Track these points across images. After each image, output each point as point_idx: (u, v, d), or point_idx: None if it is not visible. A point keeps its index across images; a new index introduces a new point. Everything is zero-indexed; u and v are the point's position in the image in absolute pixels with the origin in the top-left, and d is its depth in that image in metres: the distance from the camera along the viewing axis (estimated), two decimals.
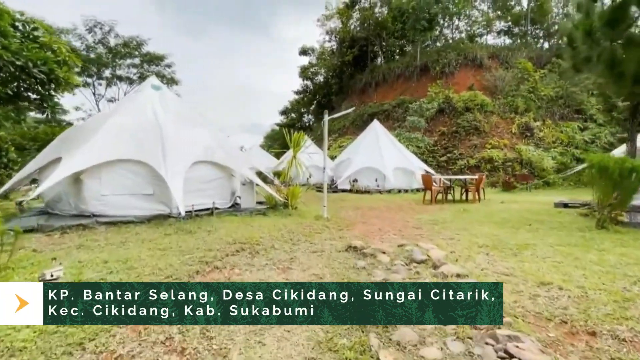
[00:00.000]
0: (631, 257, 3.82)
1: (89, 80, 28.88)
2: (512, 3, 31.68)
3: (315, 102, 47.55)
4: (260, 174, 21.00)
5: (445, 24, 32.41)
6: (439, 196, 10.81)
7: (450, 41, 30.89)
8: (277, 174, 20.60)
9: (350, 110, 6.89)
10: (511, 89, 22.08)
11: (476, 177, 11.14)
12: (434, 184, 10.33)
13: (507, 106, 21.47)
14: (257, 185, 8.03)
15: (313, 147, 22.98)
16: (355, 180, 15.07)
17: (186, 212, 6.73)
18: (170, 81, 31.78)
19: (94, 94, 30.08)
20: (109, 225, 5.94)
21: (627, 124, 22.12)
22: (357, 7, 35.68)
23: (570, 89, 22.99)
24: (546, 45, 30.38)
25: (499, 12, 33.33)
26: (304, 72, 45.73)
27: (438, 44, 32.58)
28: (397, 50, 35.13)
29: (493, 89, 22.55)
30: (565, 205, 8.10)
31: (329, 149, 29.72)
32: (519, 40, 28.79)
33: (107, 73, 29.87)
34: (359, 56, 35.28)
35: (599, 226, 5.21)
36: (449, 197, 11.06)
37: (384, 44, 34.77)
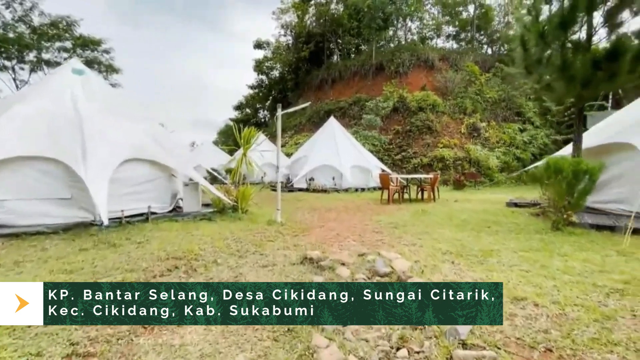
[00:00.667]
0: (594, 262, 3.73)
1: (7, 63, 25.13)
2: (460, 9, 33.24)
3: (270, 97, 46.30)
4: (210, 173, 19.63)
5: (399, 25, 33.09)
6: (396, 195, 10.70)
7: (404, 42, 31.61)
8: (229, 171, 19.51)
9: (305, 105, 6.36)
10: (460, 91, 23.05)
11: (431, 176, 11.21)
12: (391, 183, 10.16)
13: (456, 107, 22.37)
14: (203, 186, 7.17)
15: (267, 144, 22.11)
16: (311, 179, 14.59)
17: (115, 218, 5.74)
18: (109, 69, 28.83)
19: (14, 79, 26.27)
20: (9, 238, 4.80)
21: (560, 127, 24.12)
22: (312, 2, 35.16)
23: (511, 93, 24.58)
24: (490, 50, 32.38)
25: (448, 17, 34.88)
26: (259, 66, 44.26)
27: (392, 44, 33.23)
28: (353, 49, 35.26)
29: (444, 89, 23.38)
30: (516, 205, 8.31)
31: (284, 146, 28.97)
32: (465, 45, 30.29)
33: (31, 56, 26.23)
34: (315, 52, 34.83)
35: (554, 228, 5.22)
36: (405, 196, 10.99)
37: (339, 41, 34.69)
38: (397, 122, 22.34)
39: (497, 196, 12.44)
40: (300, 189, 14.47)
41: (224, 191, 7.46)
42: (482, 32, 30.50)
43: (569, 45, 6.31)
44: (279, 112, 6.18)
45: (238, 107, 51.50)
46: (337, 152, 14.64)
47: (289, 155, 24.27)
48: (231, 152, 27.50)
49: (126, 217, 5.97)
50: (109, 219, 5.77)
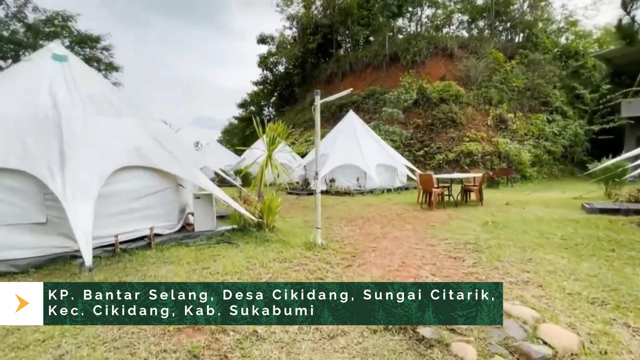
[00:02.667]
0: None
1: (2, 63, 23.88)
2: None
3: (276, 93, 44.86)
4: (218, 176, 18.30)
5: (411, 13, 31.31)
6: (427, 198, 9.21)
7: (417, 31, 29.86)
8: (239, 172, 18.09)
9: (347, 91, 4.81)
10: (484, 80, 21.38)
11: (478, 175, 9.69)
12: (434, 185, 8.67)
13: (481, 97, 20.72)
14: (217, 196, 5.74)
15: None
16: (332, 180, 13.12)
17: (107, 246, 4.35)
18: (109, 67, 27.48)
19: None
20: None
21: (594, 116, 22.36)
22: None
23: (537, 81, 22.86)
24: (509, 38, 30.48)
25: (459, 6, 32.97)
26: (264, 62, 42.74)
27: (400, 35, 31.46)
28: (363, 39, 33.55)
29: (465, 79, 21.72)
30: (602, 211, 6.78)
31: (293, 144, 27.53)
32: (486, 31, 28.47)
33: (27, 55, 24.97)
34: (323, 45, 33.19)
35: None
36: (443, 198, 9.50)
37: (348, 32, 33.00)
38: (417, 115, 20.75)
39: (551, 195, 10.87)
40: (320, 191, 13.00)
41: (241, 200, 6.04)
42: (501, 18, 28.61)
43: None
44: (318, 101, 4.73)
45: (242, 105, 50.14)
46: (360, 149, 13.14)
47: (300, 154, 22.85)
48: (239, 152, 26.19)
49: (122, 243, 4.56)
50: (99, 247, 4.38)
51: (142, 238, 4.86)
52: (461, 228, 5.98)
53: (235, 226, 5.57)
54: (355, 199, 11.38)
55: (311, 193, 12.81)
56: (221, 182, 18.91)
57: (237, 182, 18.00)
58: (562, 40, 29.53)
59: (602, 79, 24.75)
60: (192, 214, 5.63)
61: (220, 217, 6.37)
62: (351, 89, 5.37)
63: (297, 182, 15.85)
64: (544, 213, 7.28)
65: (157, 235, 4.99)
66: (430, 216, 7.59)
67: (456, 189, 9.98)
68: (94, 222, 4.05)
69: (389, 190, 13.30)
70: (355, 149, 13.19)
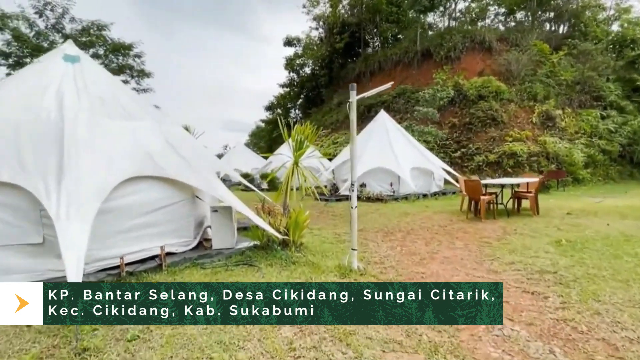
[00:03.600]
0: None
1: None
2: None
3: (302, 95, 44.51)
4: (247, 176, 17.88)
5: (446, 5, 29.66)
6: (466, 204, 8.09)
7: (452, 25, 28.23)
8: (265, 177, 17.63)
9: (387, 85, 3.99)
10: (528, 74, 19.62)
11: (533, 180, 8.48)
12: (483, 192, 7.59)
13: (524, 93, 19.00)
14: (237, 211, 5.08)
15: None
16: (363, 185, 12.24)
17: (111, 269, 3.79)
18: (140, 73, 28.13)
19: None
20: None
21: None
22: None
23: (588, 74, 20.74)
24: (553, 28, 28.10)
25: None
26: (290, 64, 42.53)
27: (431, 32, 29.92)
28: (392, 37, 32.32)
29: (507, 74, 20.04)
30: None
31: (321, 146, 26.85)
32: (526, 23, 26.37)
33: None
34: (350, 44, 32.33)
35: None
36: (492, 207, 8.34)
37: (376, 30, 31.92)
38: (453, 113, 19.38)
39: (623, 202, 9.36)
40: (349, 197, 12.15)
41: (265, 212, 5.34)
42: (543, 7, 26.42)
43: None
44: (354, 97, 3.94)
45: (269, 108, 50.28)
46: (393, 151, 12.17)
47: (329, 157, 22.10)
48: (266, 155, 25.88)
49: (129, 264, 3.98)
50: (102, 270, 3.83)
51: (152, 258, 4.26)
52: (526, 248, 4.93)
53: (258, 242, 4.87)
54: (389, 206, 10.44)
55: (340, 199, 12.00)
56: (250, 182, 18.56)
57: (264, 186, 17.56)
58: (613, 28, 26.90)
59: None
60: (210, 228, 5.00)
61: (243, 229, 5.72)
62: (391, 82, 4.54)
63: (325, 186, 15.11)
64: (625, 227, 6.02)
65: (169, 254, 4.39)
66: (481, 230, 6.54)
67: (505, 195, 8.79)
68: (96, 242, 3.51)
69: (424, 196, 12.21)
70: (388, 151, 12.24)
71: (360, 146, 12.89)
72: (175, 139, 5.04)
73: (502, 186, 8.34)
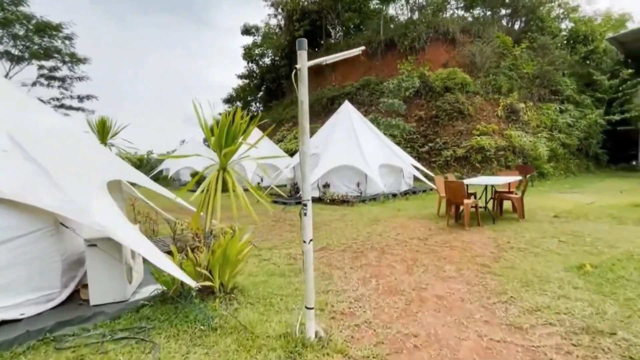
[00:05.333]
0: None
1: None
2: None
3: (263, 87, 42.24)
4: (196, 174, 15.84)
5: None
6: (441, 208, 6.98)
7: (414, 17, 27.49)
8: (194, 175, 15.57)
9: (358, 50, 2.44)
10: (492, 66, 19.22)
11: (516, 178, 7.51)
12: (466, 195, 6.42)
13: (489, 85, 18.56)
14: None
15: (258, 136, 18.22)
16: (326, 185, 10.81)
17: None
18: (71, 58, 24.52)
19: None
20: None
21: (611, 106, 20.41)
22: None
23: (546, 67, 20.84)
24: (508, 24, 28.37)
25: None
26: (248, 53, 40.05)
27: (391, 25, 29.12)
28: (353, 26, 31.08)
29: (471, 66, 19.52)
30: None
31: (281, 140, 25.00)
32: (488, 16, 26.24)
33: None
34: (311, 33, 30.64)
35: None
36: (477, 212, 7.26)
37: (338, 20, 30.51)
38: (419, 106, 18.52)
39: (606, 201, 8.67)
40: (312, 199, 10.67)
41: (188, 223, 3.69)
42: (501, 1, 26.39)
43: None
44: (303, 61, 2.43)
45: (228, 100, 47.38)
46: (360, 147, 10.83)
47: (289, 152, 20.42)
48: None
49: None
50: None
51: None
52: (542, 278, 3.71)
53: (165, 289, 3.19)
54: (356, 209, 9.08)
55: (300, 202, 10.44)
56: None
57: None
58: (563, 26, 27.70)
59: (614, 64, 22.93)
60: (84, 278, 3.24)
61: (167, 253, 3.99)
62: (362, 47, 3.05)
63: (285, 186, 13.50)
64: (635, 236, 5.07)
65: (5, 323, 2.61)
66: (469, 243, 5.34)
67: (482, 194, 7.78)
68: None
69: (394, 196, 11.04)
70: (354, 147, 10.88)
71: (323, 141, 11.44)
72: (30, 136, 3.20)
73: (485, 187, 7.26)
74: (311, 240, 2.56)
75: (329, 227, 6.89)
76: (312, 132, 18.97)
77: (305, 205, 2.53)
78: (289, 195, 11.91)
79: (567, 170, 17.82)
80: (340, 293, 3.54)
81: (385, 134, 14.95)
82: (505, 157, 15.51)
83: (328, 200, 10.20)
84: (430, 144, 16.68)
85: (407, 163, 11.81)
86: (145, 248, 2.90)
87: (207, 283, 3.05)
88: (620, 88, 19.68)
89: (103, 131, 8.05)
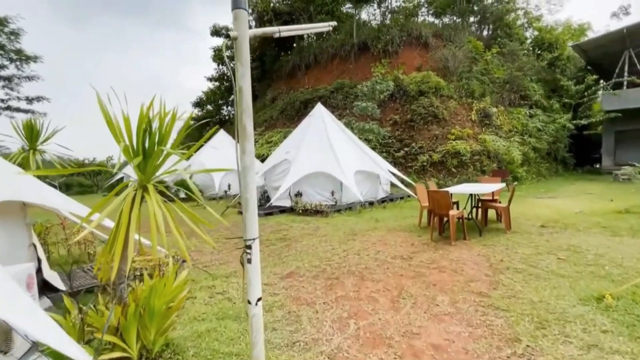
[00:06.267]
0: None
1: None
2: None
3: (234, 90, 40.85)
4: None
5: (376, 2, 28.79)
6: (424, 220, 6.39)
7: (388, 19, 27.38)
8: (181, 185, 14.33)
9: (328, 24, 1.62)
10: (464, 70, 19.21)
11: (498, 185, 7.01)
12: (453, 206, 5.79)
13: (462, 89, 18.50)
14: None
15: (224, 137, 17.08)
16: (299, 194, 9.96)
17: None
18: (17, 55, 22.27)
19: None
20: None
21: (577, 110, 20.99)
22: None
23: (515, 73, 21.18)
24: (476, 31, 28.96)
25: None
26: (218, 55, 38.62)
27: (367, 26, 28.98)
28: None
29: (444, 70, 19.43)
30: None
31: (254, 144, 23.84)
32: (457, 22, 26.54)
33: None
34: None
35: None
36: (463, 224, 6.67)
37: (310, 21, 29.93)
38: (394, 110, 18.13)
39: (569, 203, 8.36)
40: (283, 210, 9.78)
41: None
42: (471, 7, 26.82)
43: None
44: (243, 32, 1.62)
45: (197, 104, 45.56)
46: (334, 151, 10.09)
47: (261, 157, 19.41)
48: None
49: None
50: None
51: None
52: (557, 315, 3.05)
53: None
54: (331, 221, 8.29)
55: (271, 212, 9.55)
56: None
57: (181, 194, 14.27)
58: (527, 34, 28.63)
59: (577, 71, 23.79)
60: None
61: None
62: (334, 22, 2.26)
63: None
64: (636, 250, 4.60)
65: None
66: (459, 262, 4.67)
67: (463, 203, 7.24)
68: None
69: (371, 204, 10.37)
70: (328, 152, 10.12)
71: (294, 145, 10.61)
72: None
73: (471, 196, 6.69)
74: (259, 299, 1.71)
75: (299, 245, 6.04)
76: (285, 136, 18.03)
77: (249, 247, 1.67)
78: (259, 205, 10.95)
79: (539, 174, 18.02)
80: (310, 347, 2.70)
81: (360, 138, 14.35)
82: (480, 161, 15.33)
83: (300, 211, 9.35)
84: (406, 149, 16.26)
85: (384, 169, 11.20)
86: (14, 308, 1.92)
87: (115, 355, 2.11)
88: (586, 93, 20.29)
89: (31, 136, 6.78)
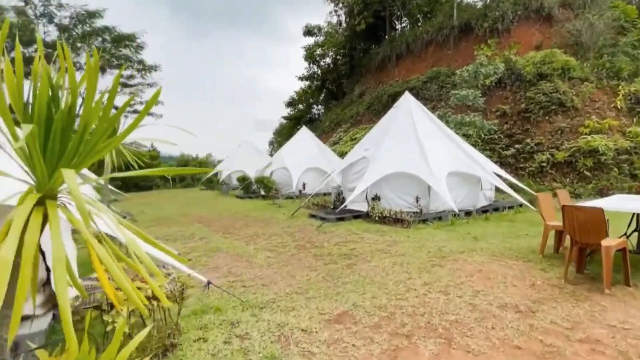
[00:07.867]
0: None
1: None
2: None
3: (324, 89, 41.00)
4: (243, 180, 14.61)
5: None
6: (557, 246, 4.20)
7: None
8: (261, 182, 14.30)
9: None
10: (606, 44, 14.78)
11: None
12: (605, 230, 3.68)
13: (603, 69, 14.23)
14: None
15: (311, 140, 16.45)
16: (376, 198, 8.53)
17: None
18: (139, 65, 25.80)
19: None
20: None
21: None
22: None
23: None
24: None
25: None
26: (310, 54, 39.06)
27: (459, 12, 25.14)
28: (422, 15, 27.78)
29: (574, 47, 15.30)
30: None
31: (337, 143, 23.06)
32: None
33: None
34: (374, 26, 28.21)
35: None
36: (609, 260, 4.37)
37: (405, 7, 27.52)
38: (503, 99, 15.01)
39: None
40: (358, 215, 8.49)
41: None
42: None
43: None
44: None
45: (290, 104, 47.39)
46: (421, 149, 8.35)
47: (343, 155, 18.40)
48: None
49: None
50: None
51: None
52: None
53: None
54: (412, 234, 6.66)
55: (343, 217, 8.35)
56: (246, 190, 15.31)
57: (262, 192, 14.22)
58: None
59: None
60: None
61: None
62: None
63: (331, 191, 11.51)
64: None
65: None
66: (624, 333, 2.71)
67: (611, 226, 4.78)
68: None
69: (468, 214, 8.29)
70: (414, 148, 8.43)
71: (375, 141, 9.21)
72: None
73: (635, 215, 4.34)
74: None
75: (366, 267, 4.69)
76: (366, 132, 16.61)
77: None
78: (332, 207, 9.89)
79: None
80: None
81: (457, 133, 12.06)
82: (630, 162, 11.38)
83: (377, 218, 7.91)
84: (517, 146, 13.17)
85: (488, 170, 8.90)
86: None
87: None
88: None
89: None
